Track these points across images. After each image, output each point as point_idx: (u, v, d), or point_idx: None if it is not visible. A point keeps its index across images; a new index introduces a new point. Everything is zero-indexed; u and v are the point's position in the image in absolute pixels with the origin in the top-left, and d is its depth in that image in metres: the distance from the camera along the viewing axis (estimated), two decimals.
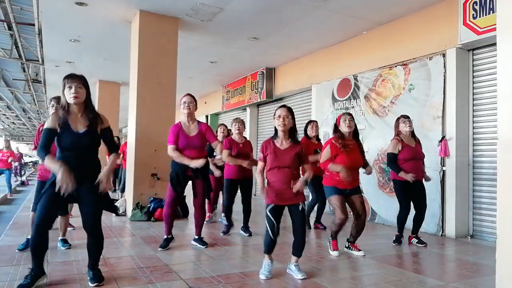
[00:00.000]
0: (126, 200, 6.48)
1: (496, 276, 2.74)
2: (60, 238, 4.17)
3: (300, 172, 3.43)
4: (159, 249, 4.09)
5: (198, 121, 4.26)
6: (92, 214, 2.93)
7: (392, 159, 4.45)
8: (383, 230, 5.70)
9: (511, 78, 2.70)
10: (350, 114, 4.06)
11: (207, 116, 13.51)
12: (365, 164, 4.16)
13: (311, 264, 3.73)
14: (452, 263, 4.06)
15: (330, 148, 3.94)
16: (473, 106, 5.29)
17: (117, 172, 9.84)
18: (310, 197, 5.61)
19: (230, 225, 5.13)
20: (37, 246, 2.82)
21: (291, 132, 3.28)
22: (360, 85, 6.78)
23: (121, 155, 8.83)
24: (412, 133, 4.58)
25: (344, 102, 7.13)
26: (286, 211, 3.27)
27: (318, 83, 7.85)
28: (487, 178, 5.05)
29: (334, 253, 4.06)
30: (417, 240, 4.61)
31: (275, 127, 3.28)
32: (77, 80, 2.90)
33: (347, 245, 4.20)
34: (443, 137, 5.26)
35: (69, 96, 2.86)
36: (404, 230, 4.64)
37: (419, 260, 4.05)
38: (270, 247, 3.24)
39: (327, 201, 4.26)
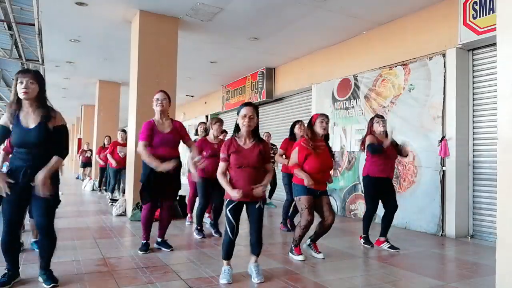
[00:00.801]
0: (126, 200, 6.48)
1: (496, 276, 2.74)
2: (33, 240, 4.04)
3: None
4: (140, 252, 3.96)
5: (171, 119, 4.14)
6: (43, 213, 2.85)
7: (374, 145, 4.30)
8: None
9: (511, 78, 2.70)
10: (327, 116, 3.94)
11: (207, 116, 13.50)
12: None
13: (310, 264, 3.73)
14: (452, 263, 4.06)
15: (298, 150, 3.81)
16: (473, 106, 5.29)
17: (103, 172, 9.86)
18: (286, 198, 5.40)
19: (202, 229, 4.94)
20: (10, 249, 2.85)
21: (255, 131, 3.16)
22: (360, 85, 6.78)
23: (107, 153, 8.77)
24: (386, 133, 4.44)
25: (344, 102, 7.13)
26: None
27: (318, 83, 7.85)
28: (487, 178, 5.05)
29: (298, 258, 3.85)
30: (388, 245, 4.37)
31: (236, 124, 3.15)
32: (29, 75, 2.79)
33: (308, 243, 4.03)
34: (443, 137, 5.26)
35: (20, 91, 2.77)
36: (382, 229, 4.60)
37: (419, 260, 4.05)
38: (229, 249, 3.12)
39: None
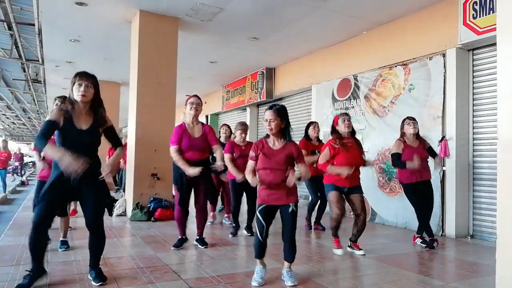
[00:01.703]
0: (126, 200, 6.48)
1: (496, 276, 2.74)
2: (60, 239, 4.15)
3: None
4: (173, 248, 4.14)
5: (202, 123, 4.26)
6: (94, 212, 2.95)
7: (396, 157, 4.42)
8: (383, 230, 5.70)
9: (511, 78, 2.70)
10: (348, 114, 4.16)
11: (207, 116, 13.51)
12: (365, 163, 4.22)
13: (311, 264, 3.73)
14: (452, 263, 4.06)
15: (328, 149, 4.02)
16: (473, 106, 5.29)
17: (118, 172, 9.86)
18: (310, 198, 5.61)
19: (237, 227, 5.09)
20: (36, 246, 2.82)
21: (283, 132, 3.13)
22: (360, 85, 6.78)
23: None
24: (417, 135, 4.55)
25: (344, 102, 7.13)
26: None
27: (318, 83, 7.85)
28: (487, 178, 5.05)
29: (337, 252, 4.10)
30: (421, 240, 4.56)
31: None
32: (88, 78, 2.90)
33: (349, 244, 4.23)
34: (443, 137, 5.26)
35: (77, 93, 2.85)
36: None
37: (419, 260, 4.05)
38: (259, 250, 3.12)
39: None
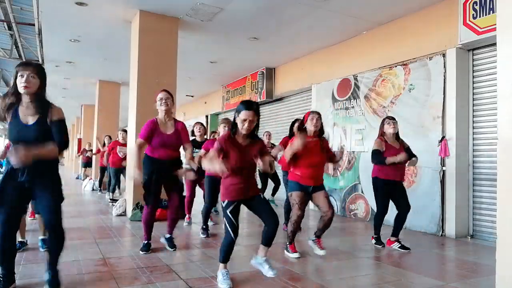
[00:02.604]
0: (126, 200, 6.48)
1: (496, 276, 2.74)
2: (40, 237, 4.01)
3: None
4: (141, 252, 3.95)
5: (175, 119, 4.11)
6: (50, 210, 2.74)
7: (377, 153, 4.36)
8: (383, 230, 5.67)
9: (511, 78, 2.70)
10: (318, 113, 4.03)
11: (207, 116, 13.51)
12: (332, 159, 4.09)
13: (310, 264, 3.73)
14: (452, 263, 4.06)
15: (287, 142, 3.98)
16: (473, 106, 5.29)
17: (103, 172, 9.87)
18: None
19: (207, 228, 4.96)
20: (5, 252, 2.68)
21: (252, 131, 3.00)
22: (360, 85, 6.78)
23: (106, 153, 8.83)
24: (397, 135, 4.49)
25: (344, 102, 7.13)
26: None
27: (318, 83, 7.85)
28: (487, 178, 5.05)
29: (293, 255, 3.89)
30: (399, 245, 4.37)
31: (234, 121, 2.98)
32: (31, 68, 2.66)
33: (313, 239, 4.07)
34: (443, 137, 5.26)
35: (20, 85, 2.62)
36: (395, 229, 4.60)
37: (419, 260, 4.05)
38: (230, 251, 3.01)
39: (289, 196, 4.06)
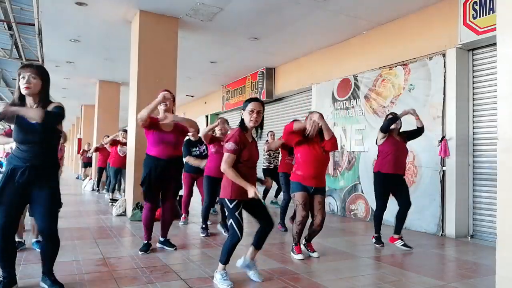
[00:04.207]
0: (126, 200, 6.48)
1: (496, 276, 2.74)
2: (34, 240, 4.03)
3: None
4: (140, 253, 3.94)
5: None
6: (46, 216, 2.72)
7: (383, 125, 4.50)
8: (383, 230, 5.66)
9: (511, 78, 2.70)
10: (318, 113, 3.92)
11: (207, 116, 13.51)
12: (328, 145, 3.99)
13: (310, 264, 3.73)
14: (452, 263, 4.06)
15: (289, 127, 3.91)
16: (473, 106, 5.29)
17: (101, 172, 9.87)
18: (283, 198, 5.46)
19: (207, 227, 4.97)
20: (5, 254, 2.68)
21: (258, 128, 3.07)
22: (360, 85, 6.78)
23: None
24: (399, 131, 4.57)
25: (344, 102, 7.13)
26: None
27: (318, 83, 7.85)
28: (487, 178, 5.05)
29: (297, 257, 3.87)
30: (402, 243, 4.42)
31: (242, 119, 3.02)
32: (31, 70, 2.67)
33: (303, 243, 4.07)
34: (443, 137, 5.26)
35: (21, 86, 2.64)
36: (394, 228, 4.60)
37: (419, 260, 4.05)
38: (232, 252, 2.99)
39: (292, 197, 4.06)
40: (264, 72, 9.53)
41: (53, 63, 9.57)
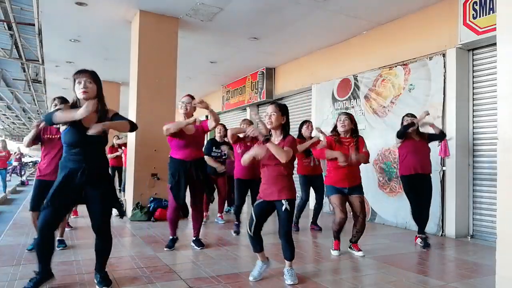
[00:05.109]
0: (126, 200, 6.48)
1: (496, 276, 2.74)
2: (57, 238, 4.11)
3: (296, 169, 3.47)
4: (165, 249, 4.10)
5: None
6: (100, 214, 2.87)
7: (399, 131, 4.54)
8: (383, 230, 5.70)
9: (511, 78, 2.70)
10: (347, 114, 4.17)
11: (207, 116, 13.48)
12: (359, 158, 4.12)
13: (310, 264, 3.73)
14: (452, 263, 4.06)
15: (326, 139, 4.16)
16: (473, 106, 5.29)
17: (120, 171, 9.87)
18: (300, 197, 5.44)
19: (239, 224, 5.15)
20: (43, 250, 2.75)
21: (283, 128, 3.21)
22: (360, 85, 6.78)
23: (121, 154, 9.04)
24: (417, 130, 4.60)
25: (344, 102, 7.13)
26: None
27: (318, 83, 7.85)
28: (487, 178, 5.05)
29: (333, 253, 4.11)
30: (421, 241, 4.52)
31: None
32: (87, 75, 2.80)
33: (349, 245, 4.22)
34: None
35: (78, 91, 2.76)
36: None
37: (419, 260, 4.05)
38: (252, 244, 3.22)
39: (328, 200, 4.27)
40: (264, 72, 9.53)
41: (53, 63, 9.57)
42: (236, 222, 5.15)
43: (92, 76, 2.83)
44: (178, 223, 4.28)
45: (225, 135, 5.89)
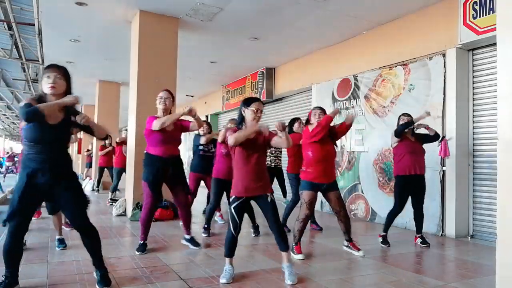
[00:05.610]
0: (126, 200, 6.48)
1: (496, 276, 2.74)
2: (57, 237, 4.14)
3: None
4: (137, 253, 3.95)
5: None
6: (74, 213, 2.81)
7: (396, 129, 4.52)
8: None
9: (511, 78, 2.69)
10: (320, 108, 4.20)
11: (207, 116, 13.50)
12: (343, 129, 4.18)
13: (311, 264, 3.73)
14: (452, 263, 4.06)
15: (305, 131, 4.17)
16: (473, 106, 5.29)
17: (102, 172, 9.86)
18: (290, 198, 5.42)
19: (209, 228, 4.99)
20: (12, 253, 2.69)
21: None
22: (360, 85, 6.78)
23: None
24: (412, 131, 4.60)
25: (344, 102, 7.13)
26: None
27: (318, 83, 7.85)
28: (487, 178, 5.05)
29: (298, 257, 3.90)
30: (421, 240, 4.58)
31: (242, 116, 3.22)
32: (57, 70, 2.73)
33: (346, 244, 4.20)
34: (443, 137, 5.25)
35: (46, 85, 2.68)
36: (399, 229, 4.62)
37: (419, 260, 4.05)
38: (232, 246, 3.15)
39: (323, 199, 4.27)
40: (264, 72, 9.53)
41: (53, 63, 9.55)
42: (206, 225, 4.96)
43: (63, 72, 2.77)
44: (150, 226, 4.11)
45: (209, 132, 5.86)
